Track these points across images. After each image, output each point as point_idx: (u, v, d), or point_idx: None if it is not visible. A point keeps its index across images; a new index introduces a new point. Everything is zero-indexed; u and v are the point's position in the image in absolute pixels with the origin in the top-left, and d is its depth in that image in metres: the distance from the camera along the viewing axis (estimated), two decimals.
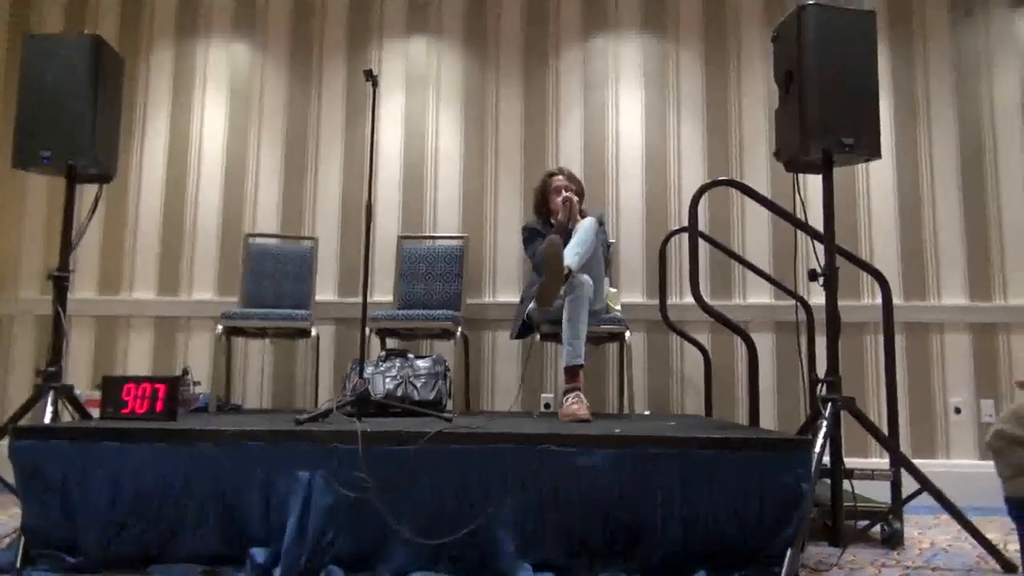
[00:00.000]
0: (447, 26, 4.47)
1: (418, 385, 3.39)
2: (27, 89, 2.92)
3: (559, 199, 3.52)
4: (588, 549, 2.23)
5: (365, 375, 3.32)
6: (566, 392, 3.11)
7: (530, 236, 3.69)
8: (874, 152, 2.62)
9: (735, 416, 4.04)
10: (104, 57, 3.01)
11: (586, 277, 3.24)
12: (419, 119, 4.42)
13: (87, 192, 3.66)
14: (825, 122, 2.56)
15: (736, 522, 2.20)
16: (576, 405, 3.01)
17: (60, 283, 2.98)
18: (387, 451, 2.26)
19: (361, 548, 2.23)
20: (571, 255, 3.18)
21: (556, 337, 3.45)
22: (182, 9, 4.54)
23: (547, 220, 3.67)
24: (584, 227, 3.31)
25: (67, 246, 3.03)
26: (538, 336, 3.68)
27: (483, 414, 3.66)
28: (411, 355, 3.58)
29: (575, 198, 3.50)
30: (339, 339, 4.24)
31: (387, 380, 3.41)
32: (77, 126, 2.90)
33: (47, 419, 2.77)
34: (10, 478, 2.42)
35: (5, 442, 2.41)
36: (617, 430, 2.43)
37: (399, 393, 3.37)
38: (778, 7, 4.32)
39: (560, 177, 3.68)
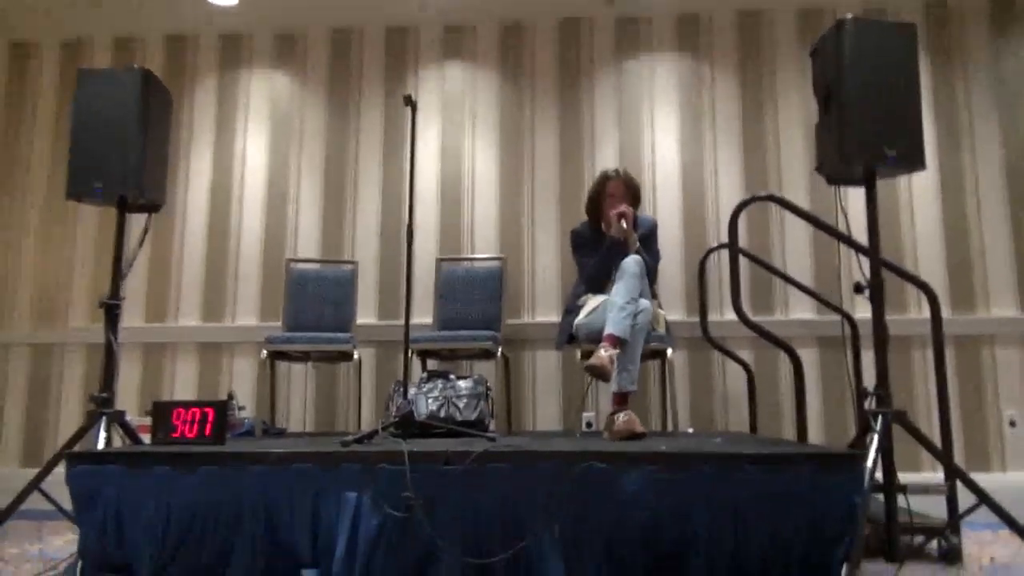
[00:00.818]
0: (482, 51, 4.53)
1: (460, 406, 3.39)
2: (80, 123, 3.01)
3: (612, 213, 3.36)
4: (639, 567, 2.21)
5: (408, 396, 3.34)
6: (614, 413, 3.01)
7: (579, 242, 3.59)
8: (918, 163, 2.58)
9: (779, 433, 3.98)
10: (153, 90, 3.09)
11: (647, 303, 3.13)
12: (456, 143, 4.46)
13: (134, 221, 3.77)
14: (867, 135, 2.53)
15: (789, 540, 2.17)
16: (628, 422, 2.92)
17: (112, 311, 3.04)
18: (433, 471, 2.27)
19: (409, 567, 2.23)
20: (620, 324, 2.99)
21: None
22: (224, 43, 4.66)
23: (597, 225, 3.52)
24: (628, 273, 3.12)
25: (118, 274, 3.10)
26: (579, 355, 3.66)
27: (526, 434, 3.65)
28: (453, 376, 3.58)
29: (630, 212, 3.34)
30: (380, 361, 4.27)
31: (430, 401, 3.41)
32: (128, 158, 2.98)
33: (100, 445, 2.83)
34: (64, 503, 2.48)
35: (58, 468, 2.46)
36: (663, 447, 2.41)
37: (442, 414, 3.37)
38: (812, 24, 4.30)
39: (616, 183, 3.49)
